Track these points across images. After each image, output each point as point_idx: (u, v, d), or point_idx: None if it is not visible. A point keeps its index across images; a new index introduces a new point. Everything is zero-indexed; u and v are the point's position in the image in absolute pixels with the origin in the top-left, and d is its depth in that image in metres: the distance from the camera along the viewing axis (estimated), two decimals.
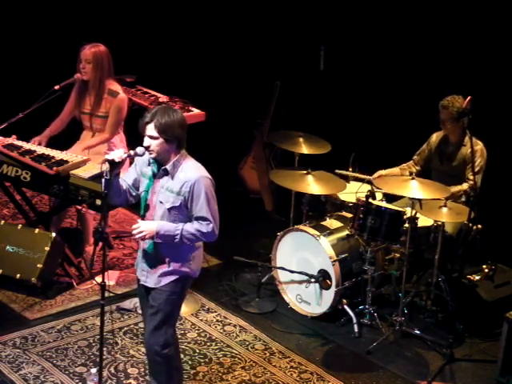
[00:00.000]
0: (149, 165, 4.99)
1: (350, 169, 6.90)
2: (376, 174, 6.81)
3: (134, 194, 5.06)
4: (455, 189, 6.56)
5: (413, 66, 7.83)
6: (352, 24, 8.20)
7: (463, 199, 6.60)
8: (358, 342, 6.34)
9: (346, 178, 6.87)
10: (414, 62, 7.83)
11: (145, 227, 4.90)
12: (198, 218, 4.92)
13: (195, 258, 5.08)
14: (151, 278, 5.06)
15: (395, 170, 6.92)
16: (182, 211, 4.93)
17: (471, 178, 6.53)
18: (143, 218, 5.02)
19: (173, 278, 5.04)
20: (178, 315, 5.24)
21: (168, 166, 4.91)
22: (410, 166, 6.93)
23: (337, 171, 6.86)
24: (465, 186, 6.61)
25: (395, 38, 7.90)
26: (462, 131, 6.62)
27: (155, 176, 4.96)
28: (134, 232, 4.92)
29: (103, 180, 4.89)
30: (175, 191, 4.90)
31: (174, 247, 4.97)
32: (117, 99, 6.77)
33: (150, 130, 4.82)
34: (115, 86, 6.82)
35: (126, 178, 5.02)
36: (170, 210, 4.93)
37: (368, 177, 6.78)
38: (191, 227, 4.92)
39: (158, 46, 9.12)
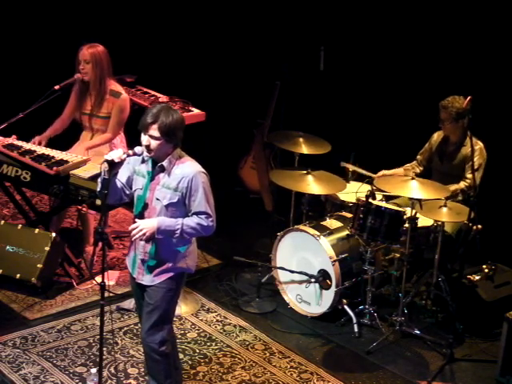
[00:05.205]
0: (142, 162, 5.00)
1: (350, 169, 6.91)
2: (380, 173, 6.81)
3: (127, 192, 5.06)
4: (453, 187, 6.57)
5: (413, 65, 7.83)
6: (352, 24, 8.20)
7: (460, 198, 6.60)
8: (358, 342, 6.34)
9: (347, 176, 6.87)
10: (414, 61, 7.83)
11: (144, 225, 4.90)
12: (198, 213, 4.93)
13: (191, 253, 5.10)
14: (147, 276, 5.07)
15: (399, 170, 6.92)
16: (180, 207, 4.94)
17: (469, 176, 6.55)
18: (139, 216, 5.02)
19: (169, 275, 5.05)
20: (175, 312, 5.25)
21: (164, 163, 4.93)
22: (413, 167, 6.93)
23: (342, 163, 6.88)
24: (462, 184, 6.63)
25: (395, 38, 7.90)
26: (463, 131, 6.62)
27: (152, 173, 4.96)
28: (134, 232, 4.91)
29: (99, 180, 4.91)
30: (172, 187, 4.92)
31: (172, 244, 4.99)
32: (120, 99, 6.76)
33: (153, 130, 4.83)
34: (117, 87, 6.81)
35: (120, 176, 5.01)
36: (167, 206, 4.93)
37: (372, 174, 6.78)
38: (191, 221, 4.93)
39: (158, 46, 9.11)
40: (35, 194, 7.78)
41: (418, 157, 6.96)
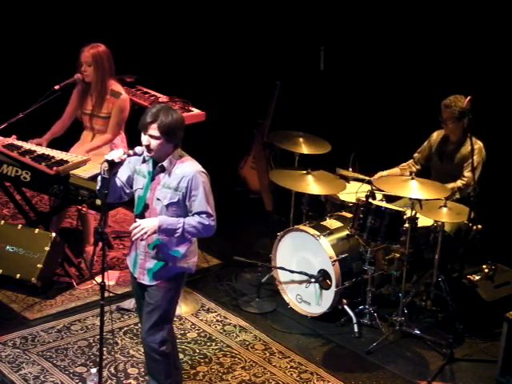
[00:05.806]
0: (143, 162, 5.00)
1: (351, 169, 6.91)
2: (376, 176, 6.81)
3: (127, 191, 5.06)
4: (450, 186, 6.57)
5: (413, 65, 7.83)
6: (352, 24, 8.20)
7: (457, 196, 6.60)
8: (358, 342, 6.34)
9: (346, 178, 6.87)
10: (414, 61, 7.83)
11: (146, 224, 4.90)
12: (198, 213, 4.93)
13: (191, 253, 5.10)
14: (148, 276, 5.07)
15: (395, 170, 6.93)
16: (181, 207, 4.94)
17: (466, 175, 6.57)
18: (140, 216, 5.01)
19: (169, 274, 5.05)
20: (175, 311, 5.25)
21: (165, 163, 4.93)
22: (410, 166, 6.93)
23: (338, 171, 6.87)
24: (458, 183, 6.63)
25: (395, 38, 7.90)
26: (463, 131, 6.63)
27: (152, 174, 4.97)
28: (136, 230, 4.89)
29: (99, 179, 4.91)
30: (172, 187, 4.92)
31: (173, 244, 4.99)
32: (119, 100, 6.76)
33: (153, 130, 4.84)
34: (117, 87, 6.81)
35: (120, 175, 5.02)
36: (167, 206, 4.94)
37: (369, 178, 6.78)
38: (193, 220, 4.93)
39: (158, 46, 9.11)
40: (35, 194, 7.78)
41: (416, 155, 6.95)
